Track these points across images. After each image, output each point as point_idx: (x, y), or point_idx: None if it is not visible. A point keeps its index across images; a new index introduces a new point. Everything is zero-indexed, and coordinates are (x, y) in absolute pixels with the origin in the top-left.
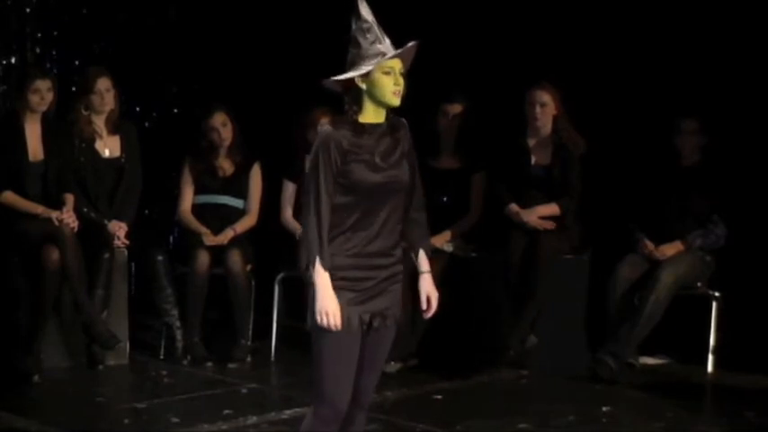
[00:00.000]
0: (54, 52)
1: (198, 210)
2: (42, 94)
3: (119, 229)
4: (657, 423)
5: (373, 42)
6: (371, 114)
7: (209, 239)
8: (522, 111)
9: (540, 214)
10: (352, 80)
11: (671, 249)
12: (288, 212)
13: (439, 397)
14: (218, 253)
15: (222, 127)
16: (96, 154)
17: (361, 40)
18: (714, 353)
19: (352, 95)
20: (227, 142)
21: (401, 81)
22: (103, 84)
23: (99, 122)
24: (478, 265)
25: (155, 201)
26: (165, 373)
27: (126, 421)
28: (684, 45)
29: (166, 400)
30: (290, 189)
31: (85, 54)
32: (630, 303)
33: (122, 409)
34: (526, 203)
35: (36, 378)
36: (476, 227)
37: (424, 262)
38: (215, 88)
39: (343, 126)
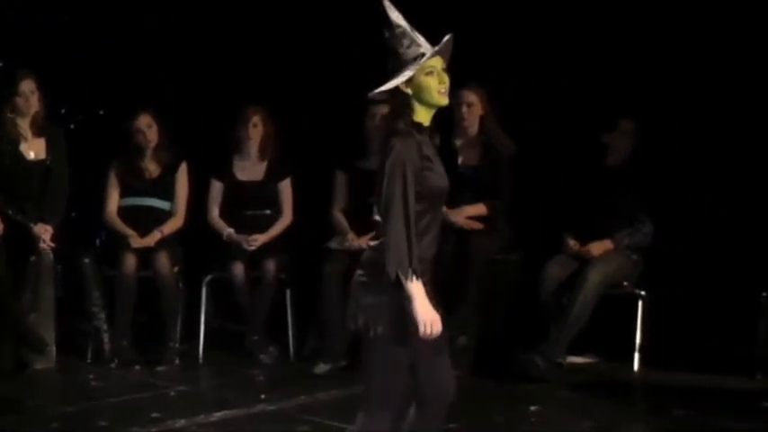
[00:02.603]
0: None
1: (124, 212)
2: None
3: (45, 231)
4: (586, 422)
5: (410, 46)
6: (424, 116)
7: (136, 242)
8: (450, 112)
9: (468, 214)
10: (398, 87)
11: (599, 248)
12: (215, 212)
13: None
14: (145, 255)
15: (148, 128)
16: (21, 156)
17: (397, 46)
18: (640, 351)
19: (402, 102)
20: (152, 144)
21: (446, 78)
22: (28, 86)
23: (24, 125)
24: None
25: (81, 203)
26: (92, 376)
27: (54, 425)
28: (611, 46)
29: (95, 404)
30: (216, 188)
31: (9, 56)
32: (559, 303)
33: (50, 413)
34: (454, 204)
35: None
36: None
37: None
38: (140, 89)
39: (412, 131)
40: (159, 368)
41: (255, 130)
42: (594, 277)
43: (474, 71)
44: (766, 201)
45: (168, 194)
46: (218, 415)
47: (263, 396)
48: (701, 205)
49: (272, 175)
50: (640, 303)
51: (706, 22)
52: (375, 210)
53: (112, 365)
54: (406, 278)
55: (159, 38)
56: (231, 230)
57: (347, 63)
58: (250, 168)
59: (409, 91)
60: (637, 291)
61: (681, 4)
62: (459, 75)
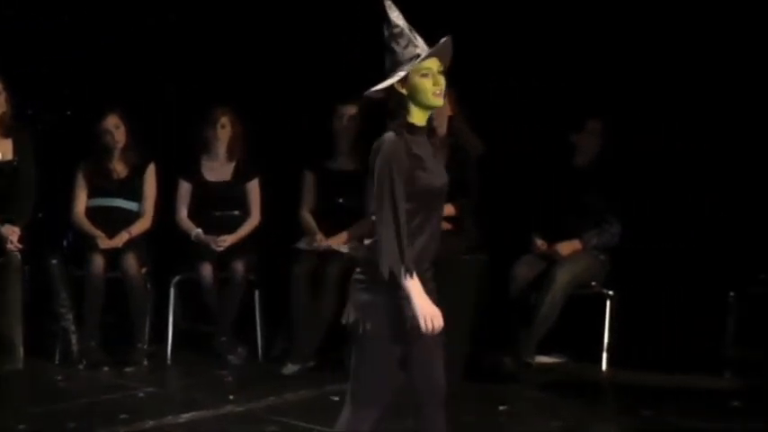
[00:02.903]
0: None
1: (92, 213)
2: None
3: (12, 232)
4: (555, 422)
5: (406, 46)
6: (419, 117)
7: (104, 243)
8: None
9: None
10: (393, 87)
11: (568, 248)
12: (183, 213)
13: (337, 398)
14: (113, 256)
15: (115, 129)
16: None
17: (394, 46)
18: (608, 351)
19: (398, 102)
20: (120, 144)
21: (441, 81)
22: None
23: None
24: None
25: (49, 204)
26: (61, 377)
27: (22, 427)
28: (579, 46)
29: (63, 405)
30: (184, 189)
31: None
32: (527, 303)
33: (18, 415)
34: None
35: None
36: (373, 229)
37: None
38: (108, 90)
39: (403, 131)
40: (127, 369)
41: (223, 130)
42: (562, 277)
43: (446, 71)
44: (734, 200)
45: (136, 195)
46: (186, 416)
47: (231, 397)
48: (669, 205)
49: (240, 176)
50: (608, 303)
51: (672, 22)
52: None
53: (80, 367)
54: (400, 276)
55: (128, 39)
56: (199, 231)
57: (314, 64)
58: (218, 169)
59: (404, 91)
60: (605, 291)
61: (647, 4)
62: None
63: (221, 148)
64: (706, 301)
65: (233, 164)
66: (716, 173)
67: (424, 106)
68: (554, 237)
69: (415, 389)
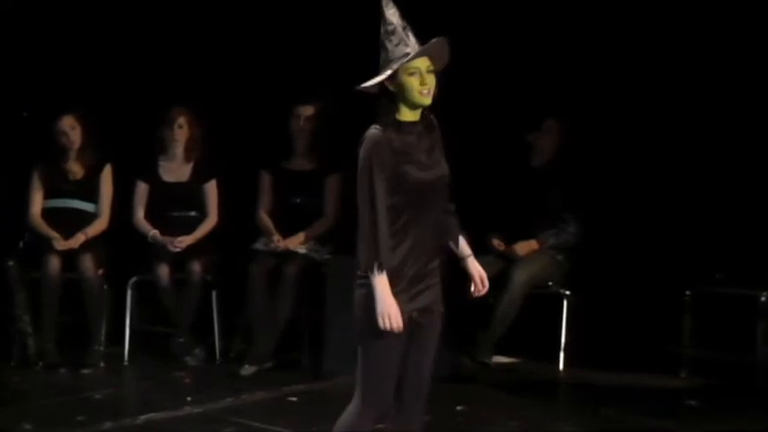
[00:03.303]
0: None
1: (48, 214)
2: None
3: None
4: (513, 422)
5: (398, 44)
6: (408, 114)
7: (60, 244)
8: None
9: None
10: (383, 83)
11: (525, 248)
12: (140, 214)
13: (294, 399)
14: (70, 257)
15: (71, 130)
16: None
17: (387, 43)
18: (566, 351)
19: (388, 97)
20: (76, 145)
21: (428, 80)
22: None
23: None
24: (333, 267)
25: (4, 205)
26: (17, 379)
27: None
28: (535, 47)
29: (19, 407)
30: (142, 189)
31: None
32: (485, 303)
33: None
34: None
35: None
36: (331, 229)
37: (465, 247)
38: (65, 91)
39: (388, 127)
40: (84, 371)
41: (181, 131)
42: (520, 277)
43: None
44: (690, 200)
45: (92, 196)
46: (143, 417)
47: (189, 398)
48: (625, 205)
49: (198, 177)
50: (565, 303)
51: (627, 21)
52: None
53: (37, 368)
54: (371, 272)
55: (85, 39)
56: (156, 232)
57: (271, 64)
58: (175, 170)
59: (393, 88)
60: (562, 291)
61: (602, 4)
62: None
63: (179, 148)
64: (662, 300)
65: (190, 164)
66: (673, 173)
67: (411, 104)
68: (511, 237)
69: (402, 383)
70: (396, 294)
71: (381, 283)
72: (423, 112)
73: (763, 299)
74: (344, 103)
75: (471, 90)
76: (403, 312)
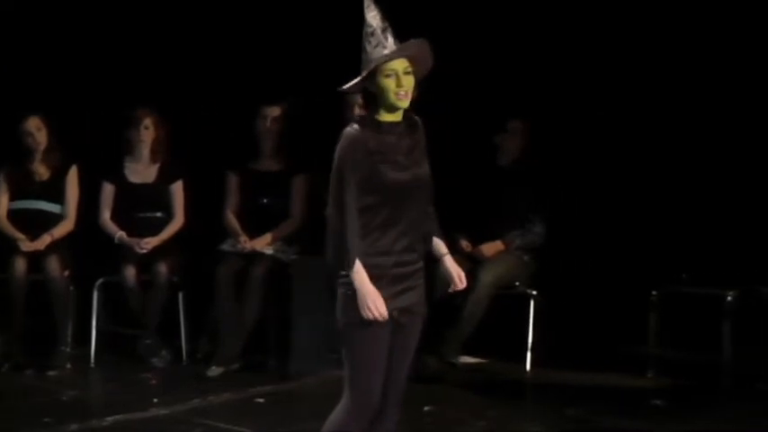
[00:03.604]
0: None
1: (14, 215)
2: None
3: None
4: (480, 422)
5: (376, 46)
6: (387, 114)
7: (26, 245)
8: (341, 112)
9: None
10: (364, 84)
11: (491, 248)
12: (106, 215)
13: (262, 400)
14: (36, 259)
15: (37, 131)
16: None
17: (366, 45)
18: (533, 351)
19: (368, 97)
20: (41, 146)
21: (405, 82)
22: None
23: None
24: (300, 267)
25: None
26: None
27: None
28: (501, 47)
29: None
30: (108, 191)
31: None
32: (452, 304)
33: None
34: None
35: None
36: (297, 230)
37: (441, 246)
38: (30, 92)
39: (367, 126)
40: (51, 372)
41: (147, 132)
42: (486, 278)
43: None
44: (655, 200)
45: (58, 197)
46: (110, 419)
47: (155, 399)
48: (592, 205)
49: (164, 178)
50: (532, 303)
51: (590, 21)
52: None
53: (3, 370)
54: (346, 268)
55: (51, 40)
56: (122, 233)
57: (238, 65)
58: (142, 171)
59: (372, 89)
60: (528, 291)
61: (568, 5)
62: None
63: (145, 149)
64: (629, 300)
65: (157, 165)
66: (639, 173)
67: (388, 106)
68: (478, 237)
69: (384, 384)
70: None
71: (359, 275)
72: (406, 113)
73: (729, 299)
74: (311, 103)
75: (438, 90)
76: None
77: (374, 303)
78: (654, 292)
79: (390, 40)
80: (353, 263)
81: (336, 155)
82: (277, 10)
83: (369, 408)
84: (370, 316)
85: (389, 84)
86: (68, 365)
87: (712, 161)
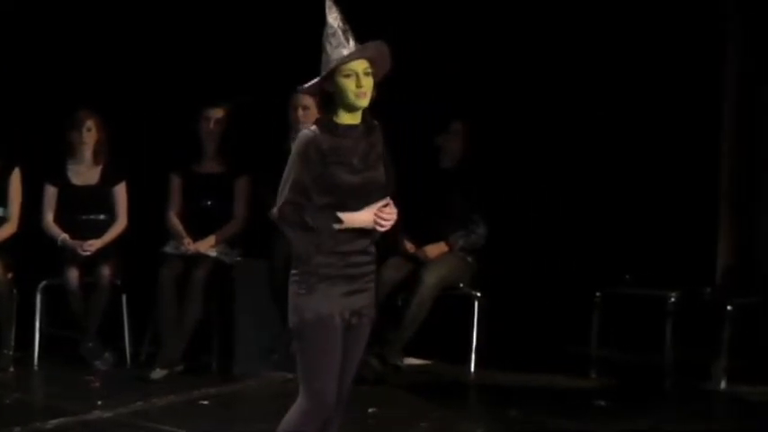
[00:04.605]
0: None
1: None
2: None
3: None
4: (423, 423)
5: (337, 47)
6: (346, 116)
7: None
8: (286, 115)
9: None
10: (323, 86)
11: (435, 250)
12: (49, 217)
13: (205, 402)
14: None
15: None
16: None
17: (327, 46)
18: (476, 352)
19: (326, 99)
20: None
21: (364, 82)
22: None
23: None
24: (243, 270)
25: None
26: None
27: None
28: (446, 49)
29: None
30: (50, 193)
31: None
32: (395, 305)
33: None
34: None
35: None
36: (241, 232)
37: None
38: None
39: (323, 128)
40: None
41: (89, 134)
42: (429, 279)
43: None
44: (599, 202)
45: (1, 200)
46: (53, 422)
47: (99, 402)
48: (535, 206)
49: (107, 180)
50: (476, 304)
51: (525, 25)
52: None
53: None
54: (324, 241)
55: None
56: (65, 236)
57: (180, 67)
58: (84, 172)
59: (331, 90)
60: (472, 292)
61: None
62: (295, 78)
63: (87, 151)
64: (572, 301)
65: (99, 167)
66: (582, 175)
67: (347, 106)
68: (421, 239)
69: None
70: (327, 293)
71: (346, 217)
72: (364, 116)
73: (671, 300)
74: (254, 105)
75: (381, 92)
76: (334, 311)
77: (380, 214)
78: (597, 293)
79: (351, 41)
80: (330, 229)
81: (292, 153)
82: (220, 12)
83: (324, 408)
84: (383, 224)
85: (349, 84)
86: (11, 368)
87: (655, 163)
